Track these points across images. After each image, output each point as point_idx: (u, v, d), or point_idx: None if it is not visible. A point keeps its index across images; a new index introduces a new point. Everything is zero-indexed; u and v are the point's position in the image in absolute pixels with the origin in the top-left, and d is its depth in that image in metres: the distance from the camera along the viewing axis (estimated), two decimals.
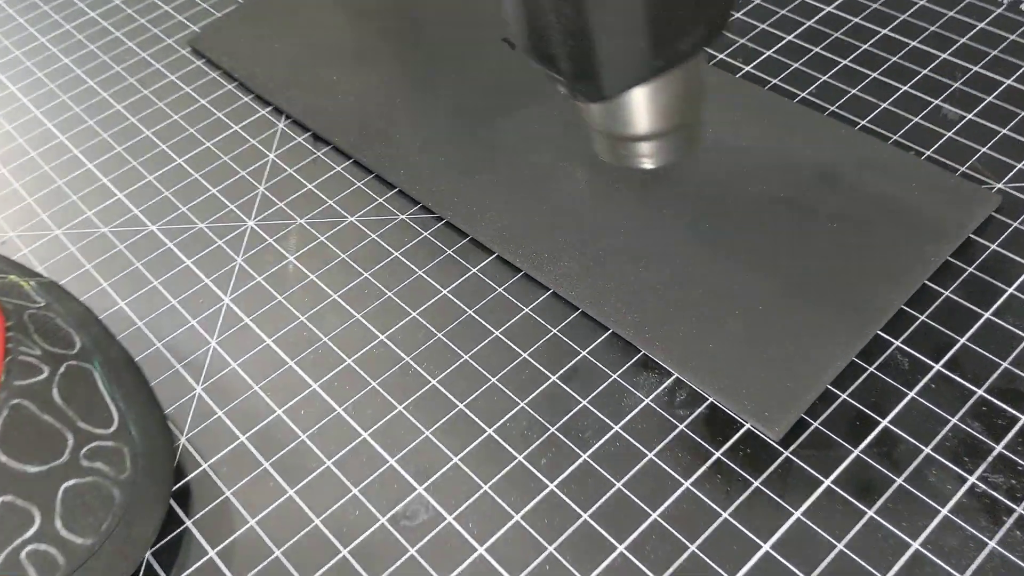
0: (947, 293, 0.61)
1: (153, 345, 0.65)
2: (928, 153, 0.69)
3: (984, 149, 0.69)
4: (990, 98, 0.73)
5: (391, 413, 0.60)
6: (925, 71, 0.76)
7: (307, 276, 0.68)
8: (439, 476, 0.56)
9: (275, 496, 0.57)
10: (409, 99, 0.78)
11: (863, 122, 0.72)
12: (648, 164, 0.56)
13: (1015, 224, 0.64)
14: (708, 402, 0.58)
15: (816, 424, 0.56)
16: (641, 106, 0.52)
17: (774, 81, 0.76)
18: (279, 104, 0.80)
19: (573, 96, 0.52)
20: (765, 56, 0.79)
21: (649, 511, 0.54)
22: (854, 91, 0.75)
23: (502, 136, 0.74)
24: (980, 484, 0.52)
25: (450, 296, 0.65)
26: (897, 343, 0.59)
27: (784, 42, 0.80)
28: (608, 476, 0.55)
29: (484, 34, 0.81)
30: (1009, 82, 0.74)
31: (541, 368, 0.61)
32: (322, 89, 0.80)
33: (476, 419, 0.59)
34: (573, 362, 0.61)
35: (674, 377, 0.59)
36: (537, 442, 0.57)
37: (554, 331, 0.62)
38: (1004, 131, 0.70)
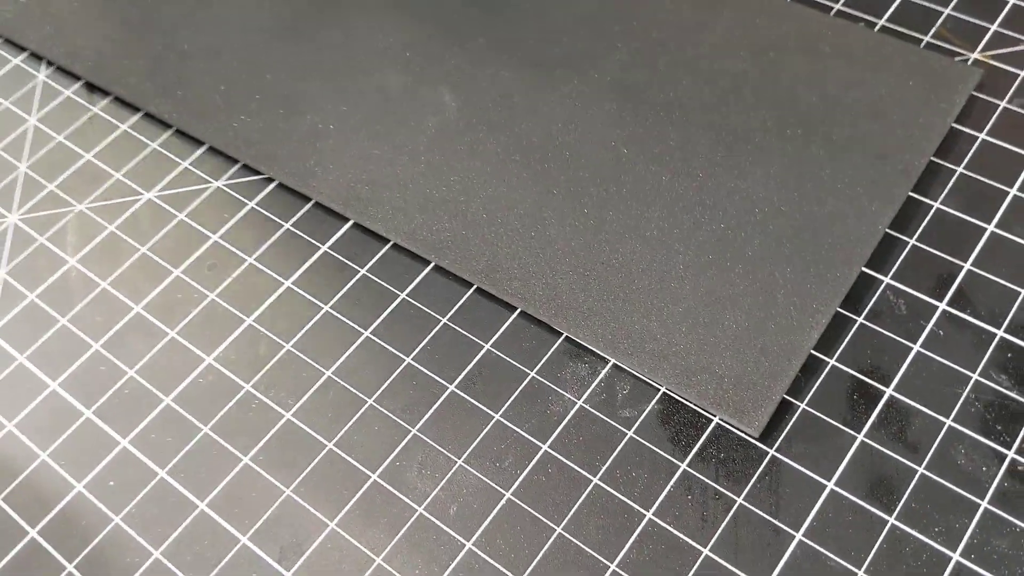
0: (937, 204, 0.48)
1: None
2: (881, 22, 0.55)
3: (948, 9, 0.55)
4: None
5: (235, 468, 0.43)
6: None
7: (97, 284, 0.50)
8: (312, 553, 0.41)
9: None
10: (205, 17, 0.58)
11: None
12: None
13: (1003, 104, 0.51)
14: (659, 394, 0.43)
15: (803, 405, 0.42)
16: None
17: None
18: (35, 47, 0.59)
19: None
20: None
21: (606, 562, 0.39)
22: None
23: (331, 53, 0.55)
24: (1022, 460, 0.40)
25: (296, 289, 0.48)
26: (887, 280, 0.46)
27: None
28: (544, 520, 0.41)
29: None
30: None
31: (433, 375, 0.45)
32: (91, 19, 0.60)
33: (353, 461, 0.43)
34: (476, 360, 0.45)
35: (610, 365, 0.44)
36: (441, 482, 0.42)
37: (444, 320, 0.47)
38: None
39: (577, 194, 0.48)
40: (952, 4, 0.55)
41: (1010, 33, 0.54)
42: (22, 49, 0.60)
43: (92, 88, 0.58)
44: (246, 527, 0.42)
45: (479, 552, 0.40)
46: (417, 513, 0.41)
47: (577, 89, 0.52)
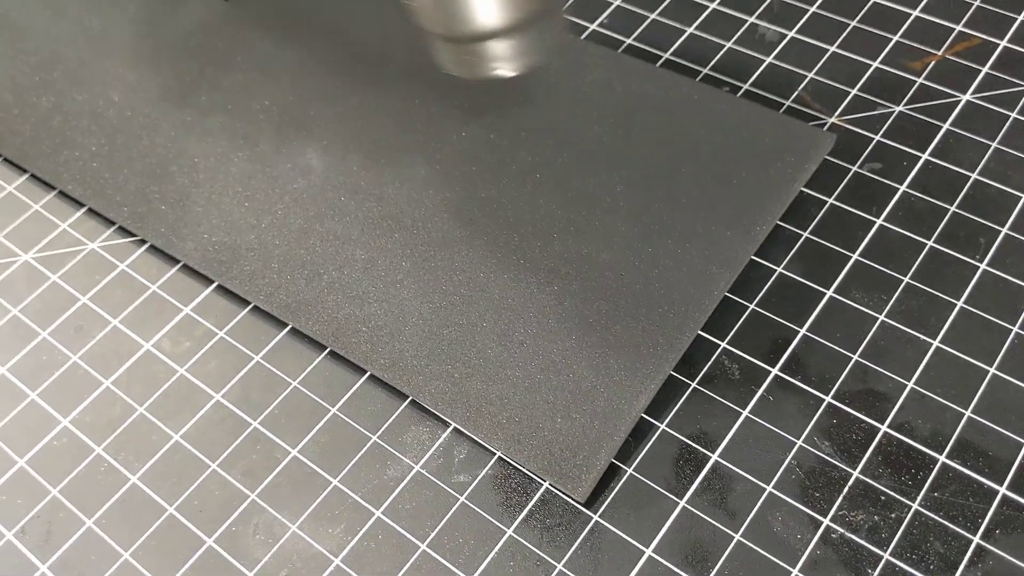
0: (779, 269, 0.49)
1: None
2: (745, 87, 0.56)
3: (811, 74, 0.56)
4: (814, 8, 0.60)
5: (78, 531, 0.44)
6: None
7: None
8: None
9: None
10: (92, 79, 0.60)
11: (666, 55, 0.58)
12: (506, 70, 0.42)
13: (854, 168, 0.52)
14: (494, 459, 0.44)
15: (631, 470, 0.43)
16: None
17: None
18: None
19: None
20: None
21: None
22: (652, 16, 0.61)
23: (208, 117, 0.57)
24: (836, 527, 0.41)
25: (155, 352, 0.49)
26: (723, 344, 0.46)
27: None
28: None
29: None
30: None
31: (277, 440, 0.46)
32: None
33: (191, 526, 0.44)
34: (320, 424, 0.46)
35: (450, 429, 0.45)
36: (274, 549, 0.43)
37: (294, 383, 0.47)
38: (833, 48, 0.57)
39: (430, 258, 0.49)
40: (815, 69, 0.56)
41: (868, 97, 0.55)
42: None
43: None
44: None
45: None
46: None
47: (440, 152, 0.53)
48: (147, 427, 0.47)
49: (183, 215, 0.53)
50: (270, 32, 0.61)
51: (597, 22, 0.60)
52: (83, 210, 0.55)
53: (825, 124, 0.54)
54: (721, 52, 0.58)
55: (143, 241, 0.53)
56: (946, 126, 0.53)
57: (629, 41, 0.59)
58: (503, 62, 0.42)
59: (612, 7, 0.61)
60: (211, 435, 0.46)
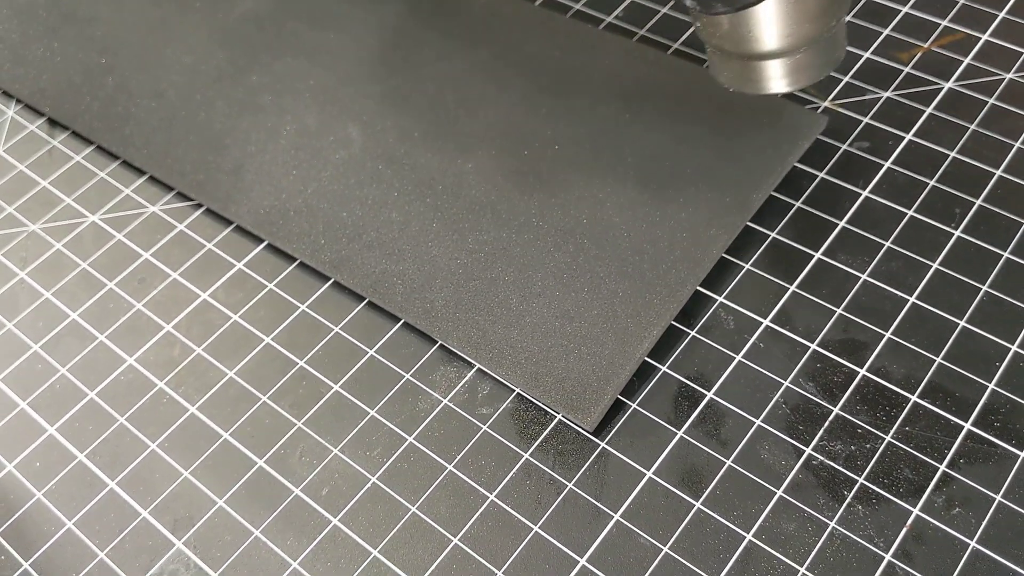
0: (773, 235, 0.54)
1: None
2: None
3: None
4: None
5: (143, 453, 0.50)
6: None
7: (41, 295, 0.57)
8: (201, 525, 0.47)
9: (6, 572, 0.47)
10: (153, 63, 0.66)
11: (675, 45, 0.64)
12: (788, 86, 0.46)
13: (844, 146, 0.57)
14: (513, 395, 0.50)
15: (635, 405, 0.49)
16: (787, 9, 0.42)
17: (576, 7, 0.67)
18: (6, 86, 0.67)
19: (707, 8, 0.43)
20: None
21: (449, 536, 0.45)
22: (664, 10, 0.66)
23: (259, 96, 0.63)
24: (817, 455, 0.46)
25: (211, 301, 0.55)
26: (720, 299, 0.52)
27: None
28: (401, 500, 0.47)
29: None
30: None
31: (321, 376, 0.51)
32: (57, 63, 0.67)
33: (244, 449, 0.49)
34: (359, 364, 0.52)
35: (475, 369, 0.51)
36: (317, 469, 0.48)
37: (336, 329, 0.53)
38: None
39: (458, 220, 0.55)
40: None
41: (859, 84, 0.60)
42: None
43: (54, 123, 0.65)
44: (147, 503, 0.48)
45: (343, 527, 0.46)
46: (294, 494, 0.47)
47: (469, 128, 0.59)
48: (204, 365, 0.52)
49: (237, 182, 0.59)
50: (315, 20, 0.67)
51: (613, 15, 0.66)
52: (144, 178, 0.61)
53: (819, 107, 0.59)
54: None
55: (199, 205, 0.59)
56: (929, 110, 0.58)
57: (642, 32, 0.65)
58: (784, 79, 0.46)
59: (627, 2, 0.67)
60: (262, 373, 0.52)
